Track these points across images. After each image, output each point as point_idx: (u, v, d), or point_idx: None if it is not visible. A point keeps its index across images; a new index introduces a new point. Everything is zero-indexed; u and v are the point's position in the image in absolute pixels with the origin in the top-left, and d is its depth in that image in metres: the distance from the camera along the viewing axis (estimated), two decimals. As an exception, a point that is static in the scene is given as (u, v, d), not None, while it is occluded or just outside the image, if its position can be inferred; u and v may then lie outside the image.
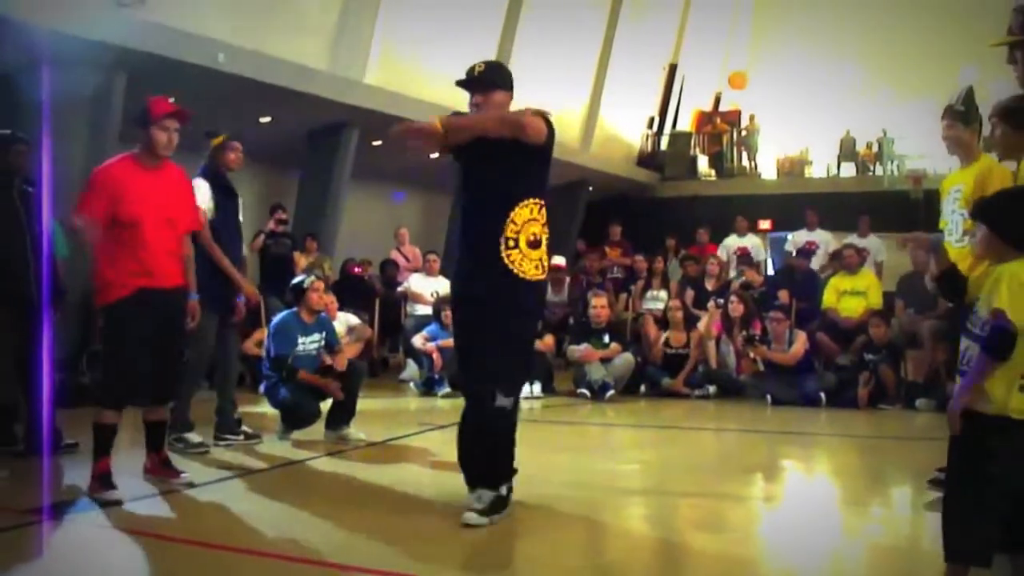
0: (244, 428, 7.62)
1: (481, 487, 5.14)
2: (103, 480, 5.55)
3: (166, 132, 5.83)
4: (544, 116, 5.21)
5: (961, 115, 5.85)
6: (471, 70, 5.25)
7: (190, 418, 7.25)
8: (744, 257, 15.52)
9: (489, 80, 5.22)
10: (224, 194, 7.36)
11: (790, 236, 16.48)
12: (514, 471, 5.34)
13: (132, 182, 5.74)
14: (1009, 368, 3.57)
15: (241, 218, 7.72)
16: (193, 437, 7.25)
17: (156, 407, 6.07)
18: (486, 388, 5.10)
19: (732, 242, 16.32)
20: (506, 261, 5.09)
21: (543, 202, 5.24)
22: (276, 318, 8.38)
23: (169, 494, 5.76)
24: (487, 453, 5.22)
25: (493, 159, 5.13)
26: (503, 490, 5.20)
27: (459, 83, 5.30)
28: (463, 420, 5.29)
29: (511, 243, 5.11)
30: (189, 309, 6.19)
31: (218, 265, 7.07)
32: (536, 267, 5.17)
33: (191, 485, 5.95)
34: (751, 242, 16.43)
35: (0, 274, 6.73)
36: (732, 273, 14.86)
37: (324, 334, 8.26)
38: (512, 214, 5.12)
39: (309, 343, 8.10)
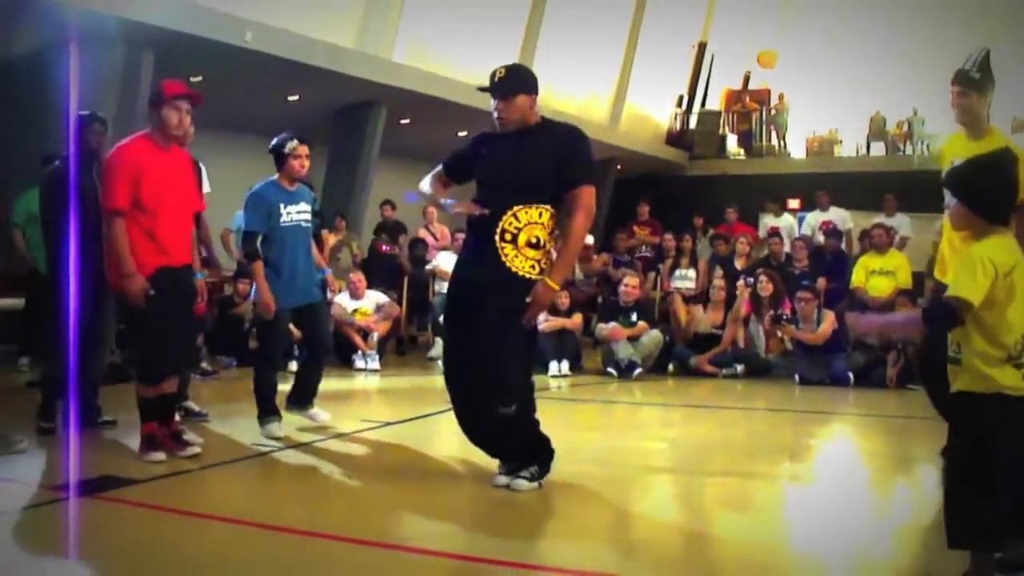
0: (188, 404, 7.53)
1: (519, 459, 5.28)
2: (176, 438, 6.04)
3: (178, 112, 5.88)
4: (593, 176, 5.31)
5: (976, 83, 5.36)
6: (493, 75, 5.23)
7: (186, 390, 7.38)
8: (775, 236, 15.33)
9: (510, 86, 5.20)
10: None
11: (806, 218, 16.43)
12: (547, 456, 5.40)
13: (151, 163, 5.81)
14: (992, 347, 3.56)
15: (207, 189, 7.55)
16: (193, 406, 7.41)
17: (170, 379, 6.17)
18: (485, 400, 5.16)
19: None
20: (499, 251, 5.11)
21: (554, 211, 5.24)
22: (251, 189, 7.29)
23: (191, 472, 5.79)
24: (508, 435, 5.29)
25: (512, 173, 5.22)
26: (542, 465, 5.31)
27: (481, 88, 5.30)
28: (460, 423, 5.40)
29: (507, 236, 5.12)
30: (198, 288, 6.34)
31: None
32: (532, 267, 5.15)
33: (197, 457, 6.02)
34: (785, 222, 16.33)
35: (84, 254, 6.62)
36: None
37: (311, 206, 7.32)
38: (515, 208, 5.13)
39: (296, 213, 7.09)
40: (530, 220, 5.13)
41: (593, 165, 5.33)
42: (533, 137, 5.22)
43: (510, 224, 5.11)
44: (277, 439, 6.80)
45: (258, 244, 6.93)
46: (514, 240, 5.11)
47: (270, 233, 6.96)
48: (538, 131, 5.26)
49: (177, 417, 7.13)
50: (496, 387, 5.14)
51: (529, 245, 5.13)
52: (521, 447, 5.32)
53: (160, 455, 5.80)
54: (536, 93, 5.31)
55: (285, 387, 7.29)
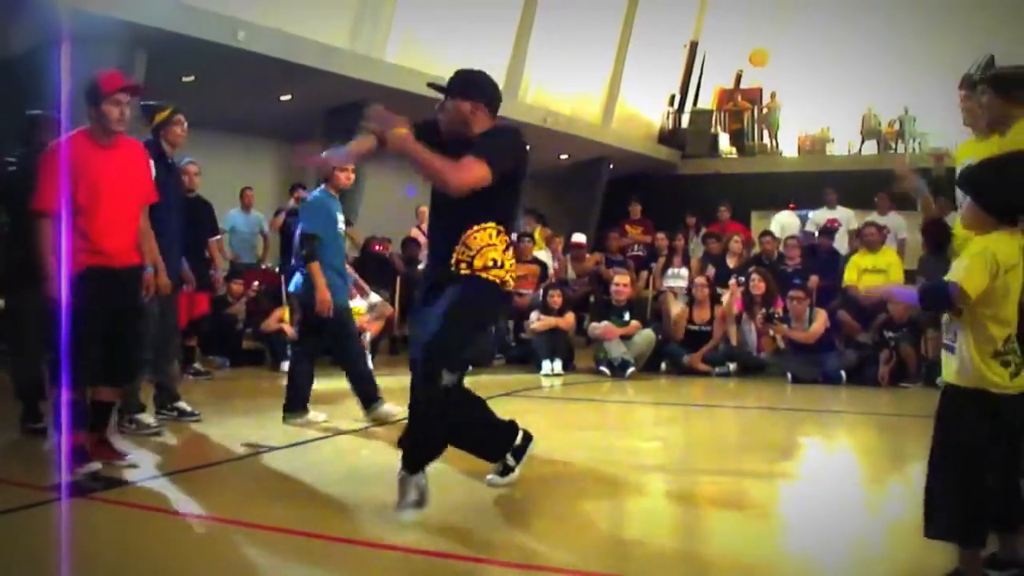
0: (179, 404, 7.51)
1: (418, 471, 4.92)
2: (106, 445, 5.65)
3: (119, 107, 5.65)
4: (518, 138, 5.04)
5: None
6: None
7: (140, 399, 7.13)
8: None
9: (451, 87, 5.03)
10: (165, 171, 7.04)
11: (811, 215, 16.39)
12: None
13: (87, 161, 5.60)
14: (982, 341, 3.59)
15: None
16: (146, 418, 7.07)
17: (108, 388, 5.94)
18: (432, 365, 4.94)
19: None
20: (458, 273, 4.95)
21: (503, 227, 5.02)
22: (310, 197, 7.94)
23: (183, 473, 5.81)
24: (426, 434, 5.08)
25: (453, 199, 4.89)
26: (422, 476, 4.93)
27: (429, 84, 5.22)
28: (413, 402, 5.11)
29: (463, 266, 4.93)
30: (144, 281, 6.05)
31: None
32: (493, 277, 4.96)
33: (134, 467, 5.81)
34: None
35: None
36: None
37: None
38: (464, 238, 4.93)
39: (342, 223, 7.73)
40: (481, 244, 4.94)
41: (497, 151, 4.85)
42: (467, 149, 4.89)
43: (463, 255, 4.93)
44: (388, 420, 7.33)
45: (317, 242, 7.44)
46: (470, 267, 4.94)
47: (327, 236, 7.51)
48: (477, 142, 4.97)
49: (153, 420, 7.10)
50: (419, 378, 5.04)
51: (486, 269, 4.95)
52: (418, 445, 5.06)
53: (97, 464, 5.54)
54: (482, 103, 5.05)
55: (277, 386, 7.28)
